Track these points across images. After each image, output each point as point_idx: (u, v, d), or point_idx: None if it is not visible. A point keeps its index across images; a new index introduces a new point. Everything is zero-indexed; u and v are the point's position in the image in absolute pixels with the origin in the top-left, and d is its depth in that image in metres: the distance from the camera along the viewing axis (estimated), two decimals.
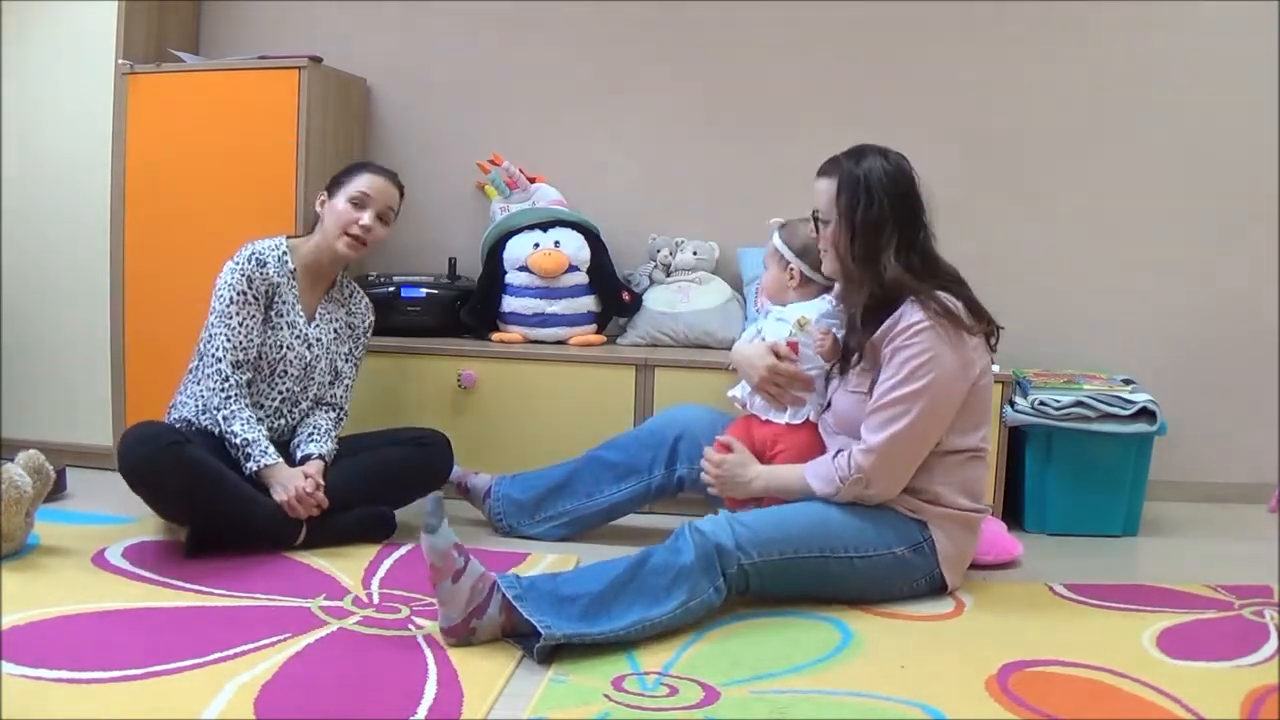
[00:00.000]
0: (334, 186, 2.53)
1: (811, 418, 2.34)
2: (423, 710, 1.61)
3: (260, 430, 2.40)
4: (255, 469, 2.35)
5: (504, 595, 1.87)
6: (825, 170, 2.23)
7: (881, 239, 2.14)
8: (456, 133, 3.33)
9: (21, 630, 1.83)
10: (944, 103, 3.16)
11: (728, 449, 2.29)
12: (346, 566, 2.28)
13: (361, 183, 2.50)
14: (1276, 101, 3.07)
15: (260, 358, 2.45)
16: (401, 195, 2.60)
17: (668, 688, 1.74)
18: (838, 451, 2.17)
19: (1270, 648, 1.96)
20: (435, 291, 3.07)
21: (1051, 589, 2.31)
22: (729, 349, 2.56)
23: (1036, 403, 2.74)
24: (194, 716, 1.55)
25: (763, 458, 2.35)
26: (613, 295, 3.09)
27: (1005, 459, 2.79)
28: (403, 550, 2.41)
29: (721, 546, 2.00)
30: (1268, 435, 3.14)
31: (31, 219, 3.05)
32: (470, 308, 3.07)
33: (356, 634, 1.91)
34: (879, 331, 2.14)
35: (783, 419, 2.34)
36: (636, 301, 3.12)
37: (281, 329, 2.47)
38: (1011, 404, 2.77)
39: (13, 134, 3.04)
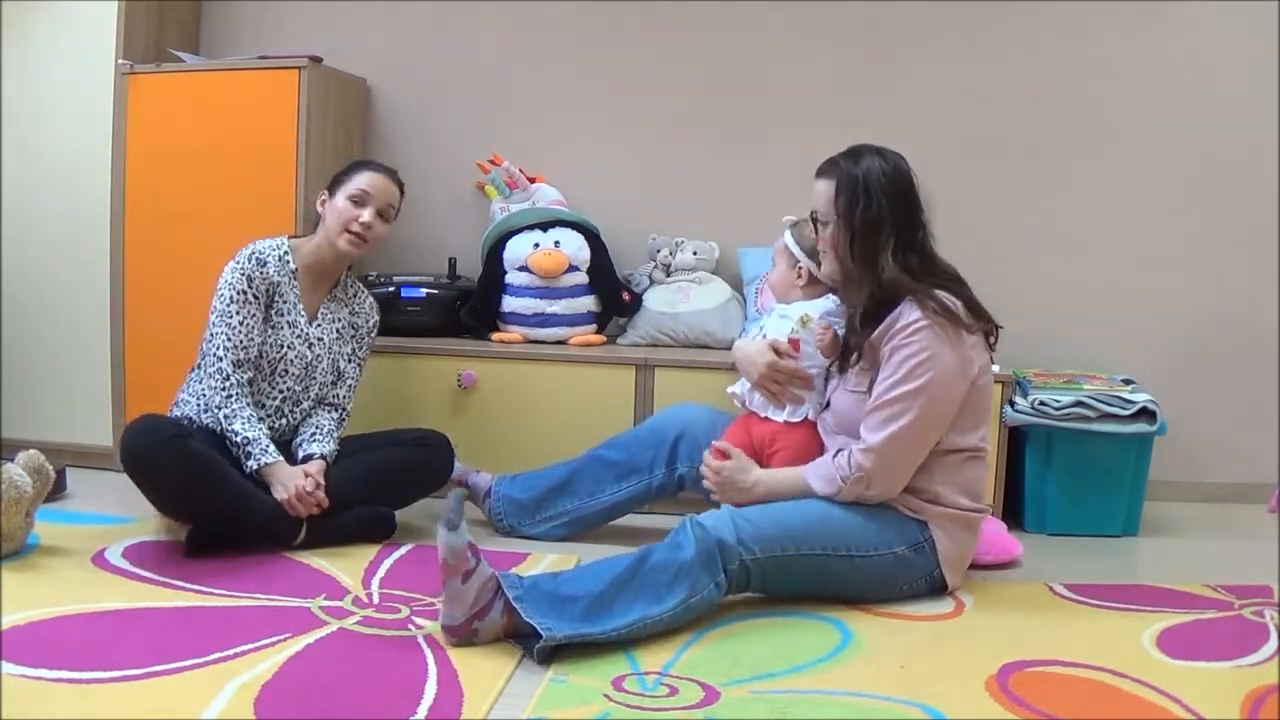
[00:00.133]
0: (334, 185, 2.54)
1: (810, 416, 2.34)
2: (423, 710, 1.61)
3: (261, 429, 2.40)
4: (256, 467, 2.35)
5: (506, 597, 1.87)
6: (823, 171, 2.23)
7: (879, 239, 2.14)
8: (456, 133, 3.33)
9: (21, 630, 1.83)
10: (944, 103, 3.16)
11: (725, 455, 2.29)
12: (346, 566, 2.28)
13: (361, 180, 2.51)
14: (1276, 101, 3.07)
15: (261, 357, 2.45)
16: (402, 192, 2.60)
17: (668, 688, 1.74)
18: (837, 451, 2.17)
19: (1270, 648, 1.96)
20: (435, 291, 3.07)
21: (1051, 589, 2.31)
22: (729, 349, 2.56)
23: (1036, 403, 2.74)
24: (194, 716, 1.55)
25: (761, 456, 2.35)
26: (613, 295, 3.09)
27: (1005, 459, 2.79)
28: (403, 550, 2.41)
29: (723, 541, 2.00)
30: (1268, 435, 3.14)
31: (31, 219, 3.05)
32: (470, 308, 3.07)
33: (356, 634, 1.91)
34: (877, 331, 2.14)
35: (781, 416, 2.35)
36: (636, 301, 3.12)
37: (282, 328, 2.47)
38: (1011, 404, 2.77)
39: (13, 134, 3.04)
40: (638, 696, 1.71)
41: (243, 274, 2.41)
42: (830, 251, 2.23)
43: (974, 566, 2.34)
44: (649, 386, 2.84)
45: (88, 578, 2.14)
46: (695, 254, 3.15)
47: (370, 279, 3.07)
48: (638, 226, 3.23)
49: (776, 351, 2.33)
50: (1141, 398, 2.75)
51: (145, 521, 2.49)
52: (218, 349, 2.40)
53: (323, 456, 2.45)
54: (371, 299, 2.69)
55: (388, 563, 2.32)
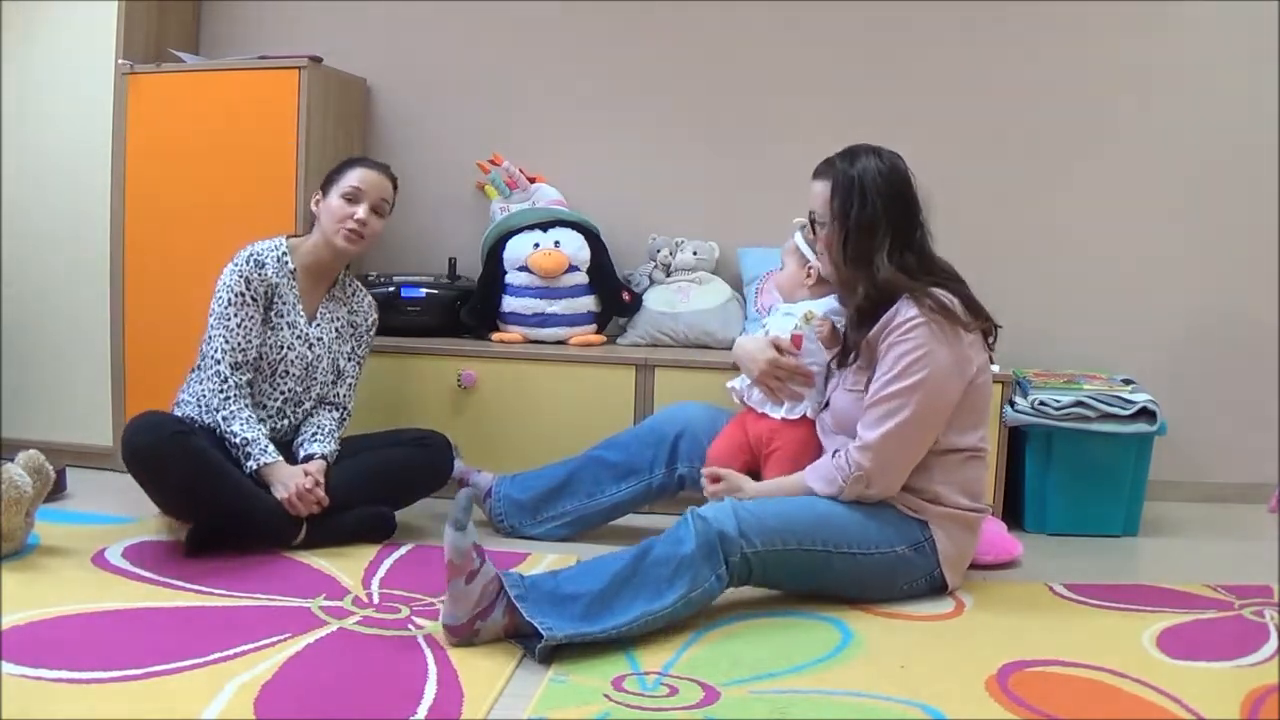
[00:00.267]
0: (327, 185, 2.53)
1: (810, 414, 2.33)
2: (423, 710, 1.61)
3: (260, 430, 2.40)
4: (255, 467, 2.35)
5: (508, 597, 1.87)
6: (820, 172, 2.23)
7: (875, 240, 2.14)
8: (456, 133, 3.33)
9: (21, 630, 1.83)
10: (944, 103, 3.16)
11: (716, 479, 2.30)
12: (346, 566, 2.28)
13: (353, 178, 2.50)
14: (1276, 101, 3.07)
15: (261, 358, 2.45)
16: (395, 187, 2.59)
17: (668, 688, 1.74)
18: (835, 452, 2.17)
19: (1270, 648, 1.96)
20: (435, 291, 3.07)
21: (1051, 589, 2.31)
22: (729, 349, 2.56)
23: (1036, 403, 2.74)
24: (194, 716, 1.55)
25: (758, 455, 2.35)
26: (613, 295, 3.09)
27: (1005, 459, 2.79)
28: (403, 550, 2.41)
29: (725, 534, 1.99)
30: (1268, 435, 3.14)
31: (32, 219, 3.05)
32: (470, 308, 3.07)
33: (356, 634, 1.91)
34: (874, 329, 2.14)
35: (779, 413, 2.34)
36: (636, 301, 3.12)
37: (282, 329, 2.47)
38: (1011, 404, 2.77)
39: (13, 134, 3.04)
40: (638, 696, 1.71)
41: (241, 276, 2.41)
42: (827, 252, 2.23)
43: (974, 566, 2.34)
44: (649, 386, 2.84)
45: (88, 578, 2.14)
46: (695, 254, 3.15)
47: (370, 279, 3.07)
48: (638, 226, 3.23)
49: (778, 348, 2.33)
50: (1141, 398, 2.75)
51: (145, 521, 2.49)
52: (215, 352, 2.39)
53: (323, 456, 2.45)
54: (370, 297, 2.69)
55: (388, 563, 2.32)
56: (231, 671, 1.70)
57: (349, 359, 2.61)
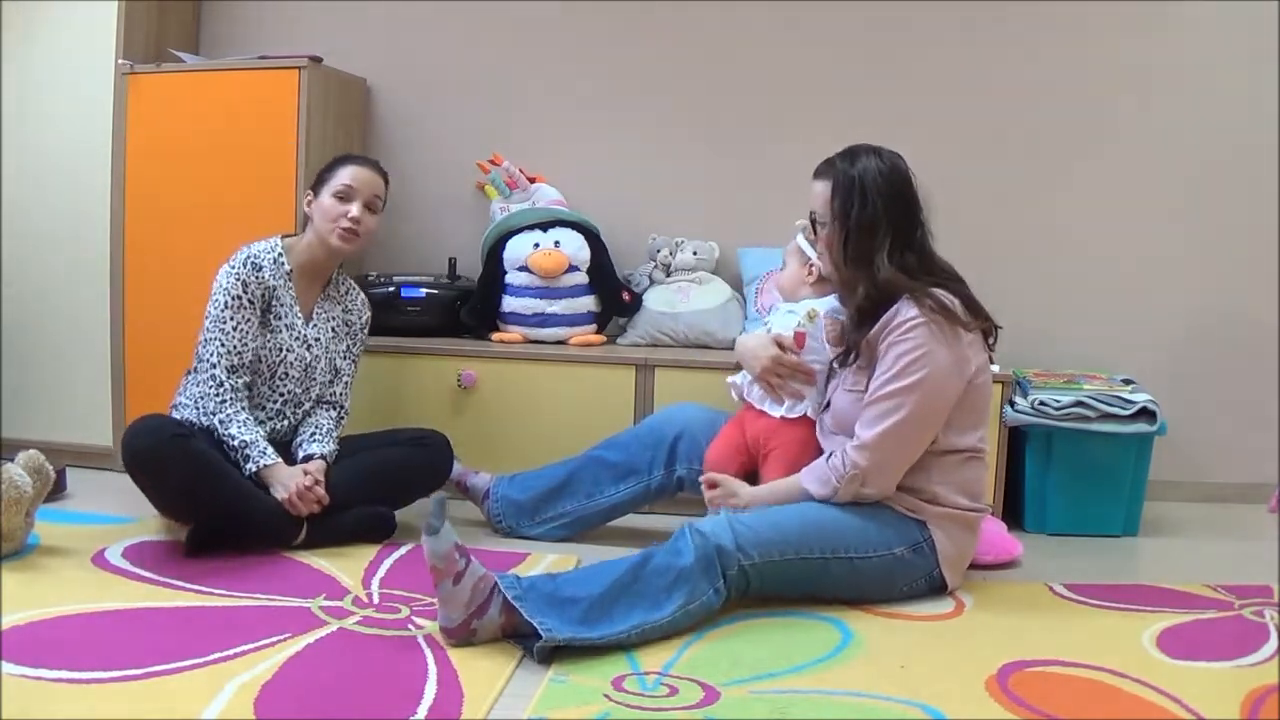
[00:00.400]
0: (318, 184, 2.52)
1: (810, 414, 2.33)
2: (423, 710, 1.61)
3: (258, 432, 2.40)
4: (255, 469, 2.35)
5: (504, 596, 1.87)
6: (820, 172, 2.24)
7: (875, 240, 2.14)
8: (456, 133, 3.33)
9: (21, 630, 1.83)
10: (944, 103, 3.16)
11: (713, 485, 2.30)
12: (346, 566, 2.28)
13: (345, 175, 2.49)
14: (1276, 101, 3.07)
15: (260, 361, 2.45)
16: (386, 183, 2.58)
17: (668, 688, 1.74)
18: (831, 453, 2.17)
19: (1270, 648, 1.96)
20: (435, 291, 3.07)
21: (1051, 589, 2.31)
22: (729, 349, 2.56)
23: (1036, 403, 2.74)
24: (194, 716, 1.55)
25: (755, 456, 2.35)
26: (613, 295, 3.09)
27: (1005, 459, 2.79)
28: (403, 550, 2.41)
29: (722, 548, 1.99)
30: (1268, 435, 3.14)
31: (32, 219, 3.05)
32: (470, 308, 3.07)
33: (356, 634, 1.91)
34: (874, 329, 2.14)
35: (779, 412, 2.34)
36: (636, 301, 3.12)
37: (280, 332, 2.47)
38: (1011, 404, 2.77)
39: (13, 134, 3.04)
40: (638, 696, 1.71)
41: (238, 279, 2.40)
42: (827, 252, 2.23)
43: (974, 566, 2.34)
44: (649, 386, 2.84)
45: (88, 578, 2.14)
46: (695, 254, 3.15)
47: (370, 279, 3.07)
48: (638, 226, 3.23)
49: (780, 345, 2.32)
50: (1141, 398, 2.75)
51: (145, 521, 2.49)
52: (212, 355, 2.39)
53: (322, 456, 2.45)
54: (363, 295, 2.69)
55: (388, 563, 2.32)
56: (231, 671, 1.70)
57: (345, 357, 2.61)
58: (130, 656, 1.74)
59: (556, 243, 3.01)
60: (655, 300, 3.11)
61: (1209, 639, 2.00)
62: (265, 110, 2.92)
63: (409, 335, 2.99)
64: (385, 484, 2.50)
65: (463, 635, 1.86)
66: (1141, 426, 2.73)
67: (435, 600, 1.88)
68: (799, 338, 2.33)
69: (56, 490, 2.68)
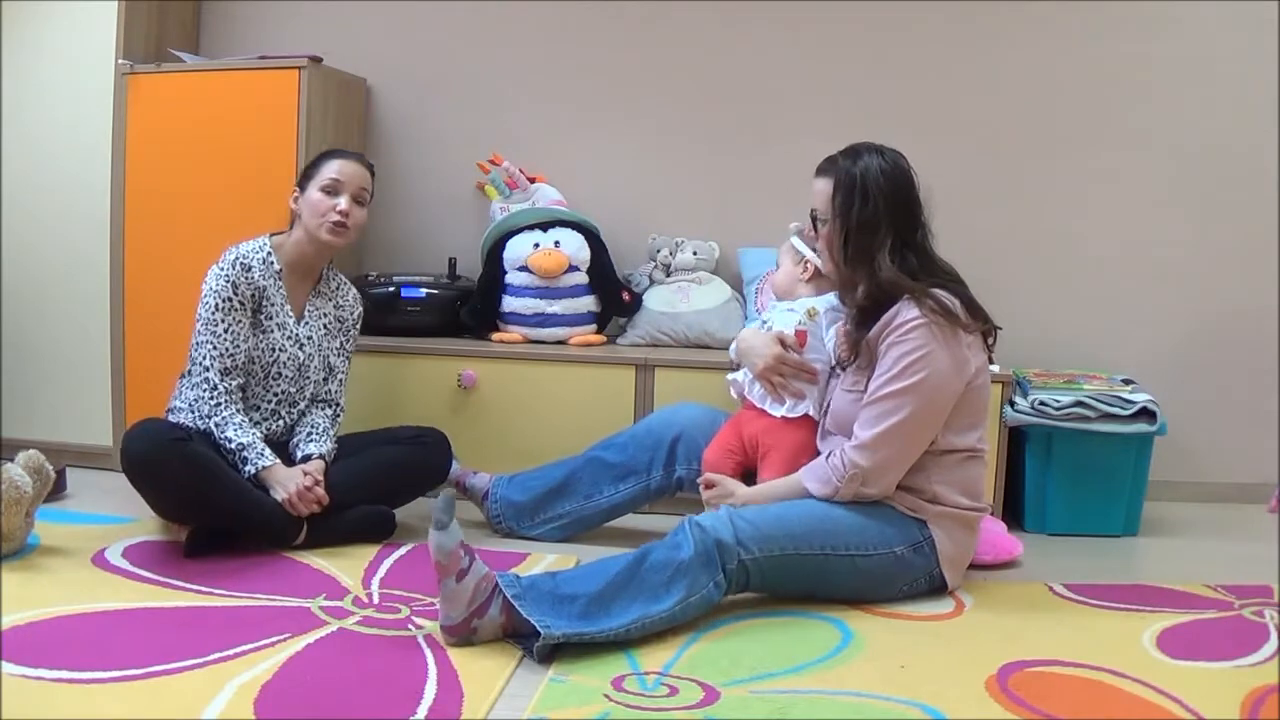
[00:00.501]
0: (304, 180, 2.51)
1: (812, 414, 2.33)
2: (423, 710, 1.61)
3: (254, 434, 2.39)
4: (253, 472, 2.34)
5: (505, 596, 1.87)
6: (822, 169, 2.24)
7: (876, 238, 2.14)
8: (456, 133, 3.33)
9: (21, 630, 1.83)
10: (943, 103, 3.16)
11: (710, 485, 2.31)
12: (346, 566, 2.28)
13: (331, 170, 2.48)
14: (1276, 101, 3.07)
15: (253, 362, 2.44)
16: (372, 175, 2.57)
17: (668, 688, 1.74)
18: (830, 452, 2.17)
19: (1270, 648, 1.96)
20: (435, 291, 3.07)
21: (1051, 589, 2.31)
22: (729, 349, 2.56)
23: (1036, 403, 2.74)
24: (194, 716, 1.55)
25: (752, 456, 2.35)
26: (613, 295, 3.09)
27: (1005, 459, 2.78)
28: (403, 550, 2.40)
29: (722, 542, 1.99)
30: (1268, 435, 3.14)
31: (31, 219, 3.05)
32: (470, 308, 3.07)
33: (356, 634, 1.91)
34: (875, 329, 2.14)
35: (780, 411, 2.33)
36: (636, 301, 3.12)
37: (272, 331, 2.46)
38: (1011, 404, 2.77)
39: (13, 134, 3.04)
40: (638, 696, 1.71)
41: (228, 280, 2.39)
42: (827, 251, 2.23)
43: (974, 566, 2.34)
44: (649, 386, 2.84)
45: (88, 578, 2.14)
46: (695, 254, 3.15)
47: (370, 279, 3.07)
48: (638, 226, 3.23)
49: (783, 343, 2.32)
50: (1141, 398, 2.75)
51: (145, 521, 2.49)
52: (204, 358, 2.38)
53: (321, 456, 2.45)
54: (354, 290, 2.67)
55: (388, 563, 2.32)
56: (231, 671, 1.70)
57: (338, 354, 2.60)
58: (130, 656, 1.74)
59: (556, 243, 3.01)
60: (655, 300, 3.11)
61: (1209, 639, 2.00)
62: (265, 110, 2.92)
63: (409, 335, 2.99)
64: (385, 483, 2.50)
65: (463, 634, 1.86)
66: (1141, 426, 2.73)
67: (437, 598, 1.88)
68: (800, 336, 2.33)
69: (56, 490, 2.68)
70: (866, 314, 2.16)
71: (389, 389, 2.91)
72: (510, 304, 3.03)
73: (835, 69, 3.21)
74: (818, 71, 3.21)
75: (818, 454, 2.26)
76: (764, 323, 2.45)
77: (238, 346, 2.40)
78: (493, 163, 3.20)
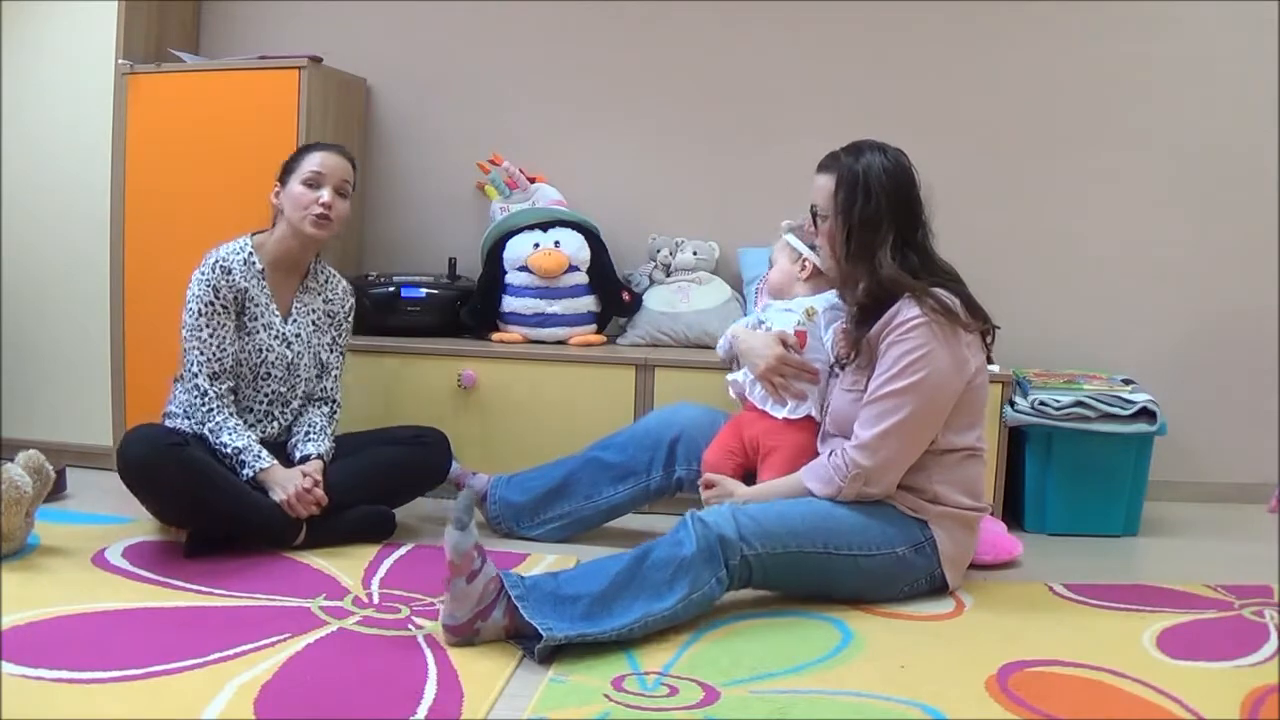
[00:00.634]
0: (285, 175, 2.48)
1: (814, 415, 2.33)
2: (423, 710, 1.61)
3: (249, 436, 2.39)
4: (251, 475, 2.34)
5: (508, 598, 1.87)
6: (824, 165, 2.23)
7: (878, 236, 2.14)
8: (456, 133, 3.33)
9: (21, 630, 1.83)
10: (943, 102, 3.16)
11: (710, 485, 2.31)
12: (346, 566, 2.28)
13: (312, 163, 2.46)
14: (1276, 101, 3.07)
15: (241, 364, 2.42)
16: (354, 167, 2.54)
17: (668, 688, 1.74)
18: (831, 451, 2.17)
19: (1270, 648, 1.96)
20: (435, 291, 3.07)
21: (1051, 589, 2.31)
22: (717, 345, 2.55)
23: (1036, 403, 2.74)
24: (194, 716, 1.55)
25: (753, 457, 2.35)
26: (613, 295, 3.09)
27: (1005, 459, 2.78)
28: (403, 550, 2.40)
29: (725, 537, 1.99)
30: (1268, 435, 3.14)
31: (31, 220, 3.05)
32: (470, 308, 3.07)
33: (356, 634, 1.91)
34: (875, 327, 2.14)
35: (781, 413, 2.33)
36: (636, 301, 3.12)
37: (258, 332, 2.44)
38: (1011, 404, 2.77)
39: (13, 134, 3.04)
40: (638, 696, 1.71)
41: (209, 285, 2.37)
42: (827, 246, 2.23)
43: (974, 566, 2.34)
44: (649, 386, 2.84)
45: (88, 578, 2.14)
46: (695, 254, 3.15)
47: (370, 279, 3.07)
48: (638, 226, 3.23)
49: (784, 343, 2.32)
50: (1141, 398, 2.75)
51: (145, 522, 2.48)
52: (192, 365, 2.37)
53: (319, 456, 2.45)
54: (345, 283, 2.64)
55: (388, 563, 2.32)
56: (231, 671, 1.70)
57: (330, 350, 2.58)
58: (130, 656, 1.74)
59: (556, 243, 3.01)
60: (655, 300, 3.11)
61: (1209, 639, 2.00)
62: (265, 110, 2.92)
63: (409, 335, 2.99)
64: (384, 483, 2.49)
65: (466, 634, 1.86)
66: (1141, 426, 2.73)
67: (444, 595, 1.88)
68: (800, 336, 2.32)
69: (56, 490, 2.68)
70: (866, 312, 2.16)
71: (389, 389, 2.91)
72: (510, 304, 3.03)
73: (835, 69, 3.21)
74: (818, 71, 3.21)
75: (818, 453, 2.26)
76: (760, 322, 2.44)
77: (224, 350, 2.39)
78: (493, 163, 3.20)
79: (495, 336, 3.04)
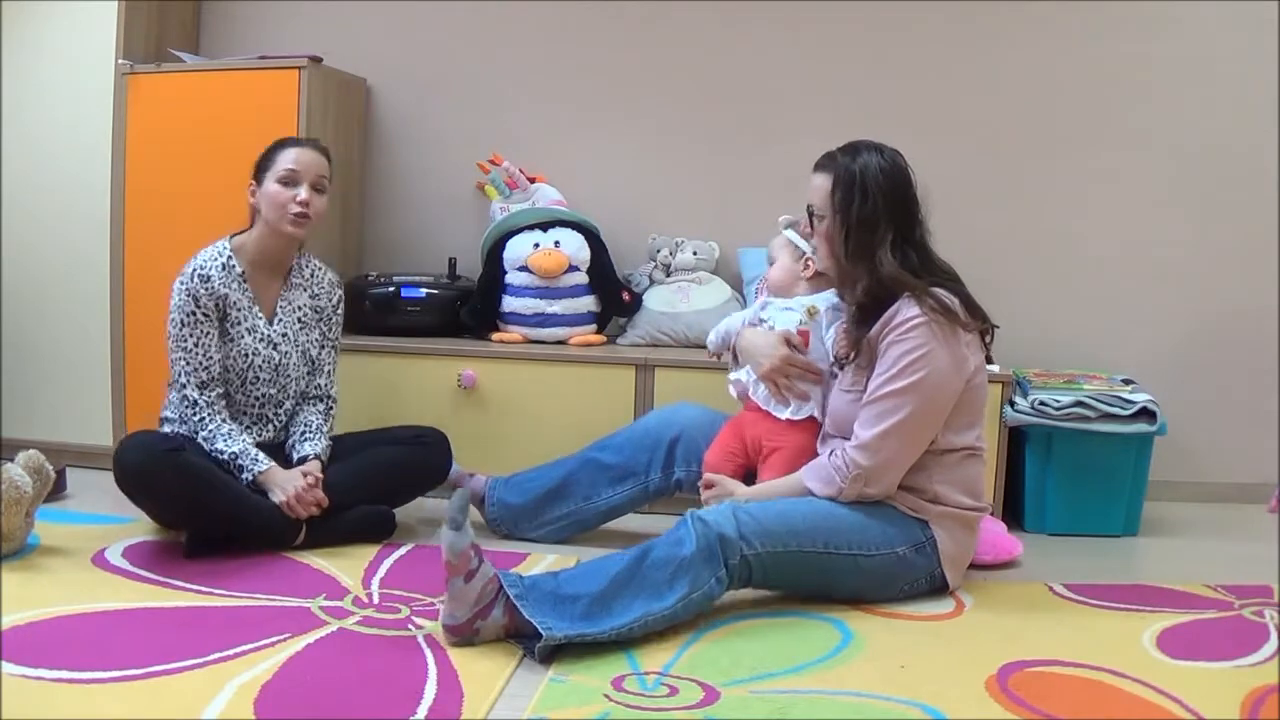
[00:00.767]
0: (260, 173, 2.45)
1: (817, 415, 2.32)
2: (423, 710, 1.61)
3: (245, 440, 2.38)
4: (250, 479, 2.33)
5: (508, 596, 1.87)
6: (821, 165, 2.23)
7: (875, 236, 2.14)
8: (456, 133, 3.33)
9: (21, 630, 1.83)
10: (943, 102, 3.16)
11: (710, 485, 2.31)
12: (346, 566, 2.28)
13: (286, 160, 2.42)
14: (1276, 101, 3.07)
15: (228, 370, 2.42)
16: (330, 161, 2.51)
17: (668, 688, 1.74)
18: (832, 451, 2.17)
19: (1270, 648, 1.96)
20: (435, 291, 3.07)
21: (1051, 589, 2.31)
22: (707, 340, 2.55)
23: (1036, 403, 2.74)
24: (194, 716, 1.55)
25: (754, 458, 2.35)
26: (613, 295, 3.09)
27: (1005, 459, 2.78)
28: (403, 550, 2.40)
29: (725, 536, 1.99)
30: (1268, 435, 3.14)
31: (31, 220, 3.05)
32: (470, 308, 3.07)
33: (356, 634, 1.91)
34: (875, 327, 2.14)
35: (784, 413, 2.32)
36: (636, 301, 3.12)
37: (242, 337, 2.43)
38: (1011, 404, 2.77)
39: (13, 134, 3.04)
40: (638, 696, 1.71)
41: (188, 294, 2.36)
42: (825, 246, 2.23)
43: (974, 566, 2.34)
44: (649, 386, 2.84)
45: (88, 578, 2.14)
46: (695, 254, 3.15)
47: (370, 279, 3.07)
48: (638, 226, 3.23)
49: (788, 343, 2.32)
50: (1141, 398, 2.75)
51: (145, 522, 2.48)
52: (180, 375, 2.37)
53: (317, 456, 2.45)
54: (332, 275, 2.61)
55: (388, 563, 2.32)
56: (231, 671, 1.70)
57: (321, 346, 2.56)
58: (130, 656, 1.74)
59: (556, 243, 3.01)
60: (655, 300, 3.11)
61: (1209, 639, 2.00)
62: (265, 110, 2.92)
63: (409, 335, 2.99)
64: (384, 483, 2.49)
65: (465, 634, 1.86)
66: (1141, 426, 2.73)
67: (440, 597, 1.88)
68: (803, 335, 2.32)
69: (56, 490, 2.68)
70: (866, 311, 2.16)
71: (389, 389, 2.91)
72: (510, 304, 3.03)
73: (835, 69, 3.21)
74: (818, 71, 3.21)
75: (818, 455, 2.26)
76: (761, 320, 2.43)
77: (210, 358, 2.38)
78: (493, 163, 3.20)
79: (495, 336, 3.04)
